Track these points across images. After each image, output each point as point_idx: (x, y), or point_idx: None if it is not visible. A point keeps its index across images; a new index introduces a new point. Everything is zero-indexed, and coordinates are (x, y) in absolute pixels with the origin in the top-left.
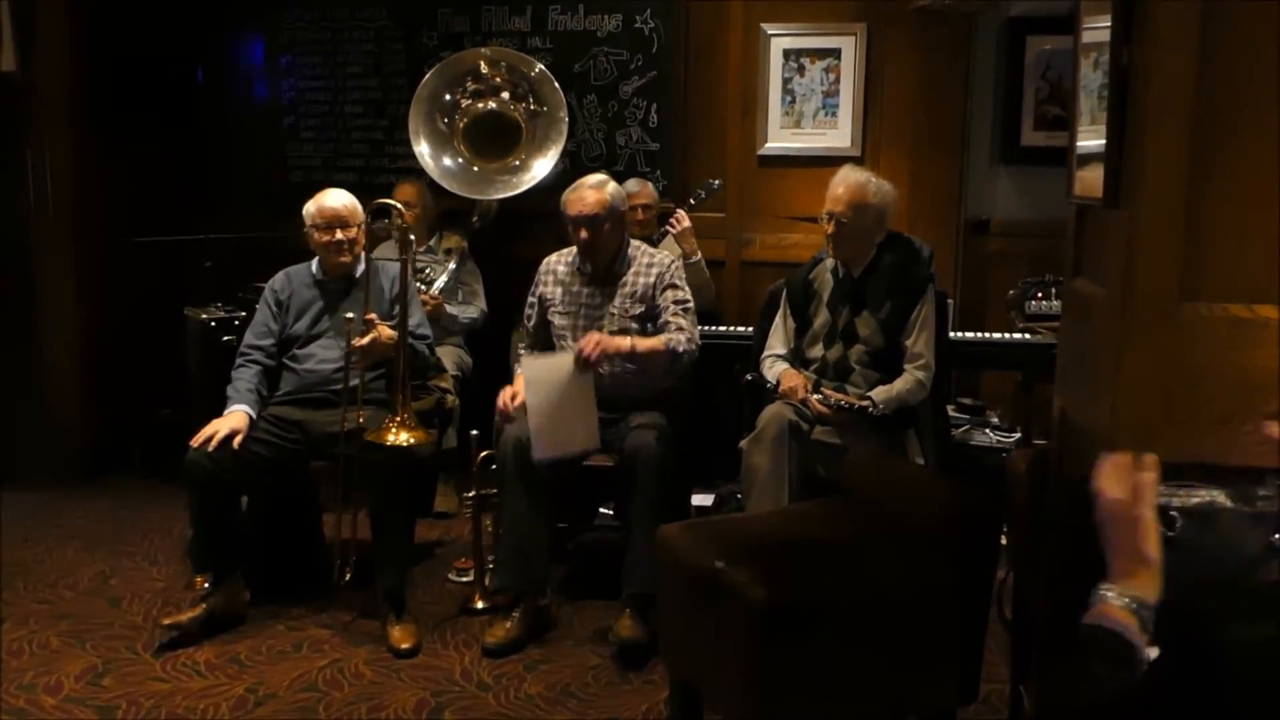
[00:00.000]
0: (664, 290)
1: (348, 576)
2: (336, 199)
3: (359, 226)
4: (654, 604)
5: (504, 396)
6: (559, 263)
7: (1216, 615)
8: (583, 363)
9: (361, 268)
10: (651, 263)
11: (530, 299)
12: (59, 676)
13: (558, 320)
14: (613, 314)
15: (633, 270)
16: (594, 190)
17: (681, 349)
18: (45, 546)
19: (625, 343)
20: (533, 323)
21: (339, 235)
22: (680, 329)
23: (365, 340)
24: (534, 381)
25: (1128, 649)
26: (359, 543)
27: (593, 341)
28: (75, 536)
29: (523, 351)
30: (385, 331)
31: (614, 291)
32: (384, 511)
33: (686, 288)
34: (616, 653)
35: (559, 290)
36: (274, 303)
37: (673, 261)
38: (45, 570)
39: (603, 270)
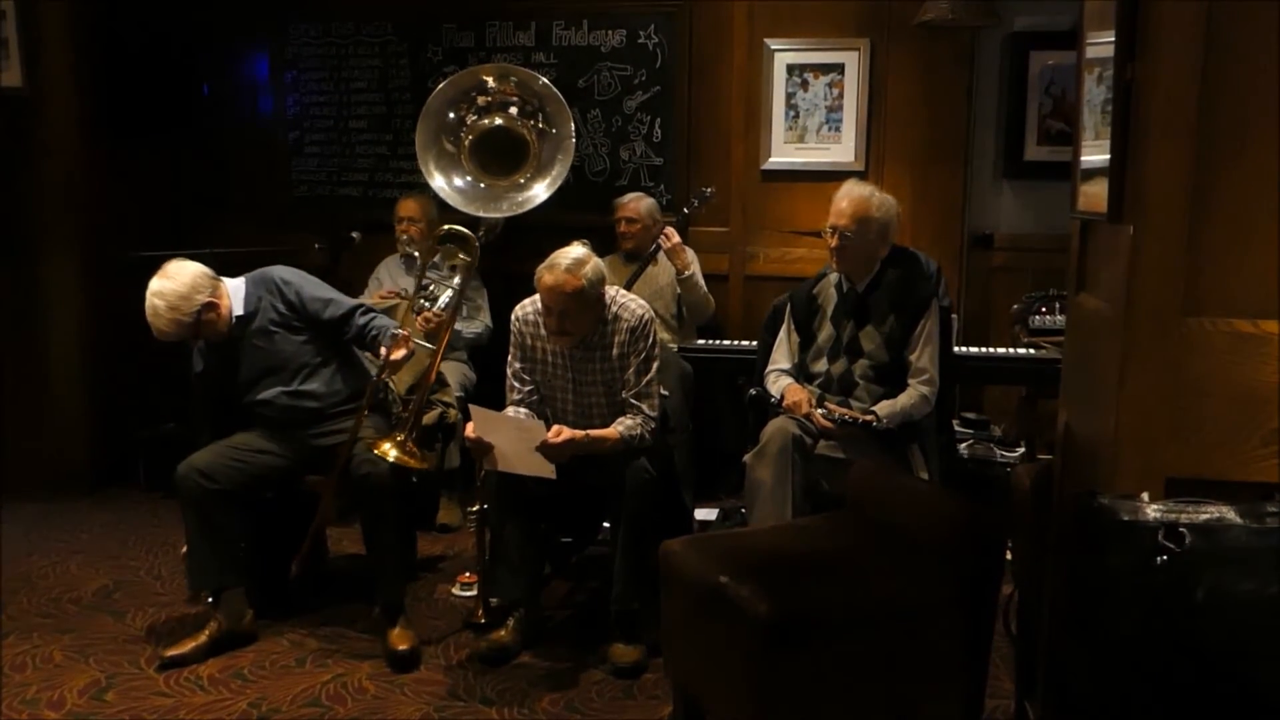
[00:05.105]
0: (629, 355)
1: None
2: (153, 292)
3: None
4: (642, 619)
5: (468, 431)
6: (533, 312)
7: (1226, 634)
8: (548, 449)
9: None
10: (620, 317)
11: (513, 363)
12: (62, 691)
13: (542, 386)
14: (596, 383)
15: (611, 331)
16: (569, 274)
17: (636, 433)
18: (48, 560)
19: (580, 435)
20: (527, 387)
21: None
22: (638, 413)
23: (400, 354)
24: (485, 428)
25: None
26: (363, 556)
27: (562, 439)
28: (79, 550)
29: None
30: (413, 344)
31: (595, 358)
32: (374, 529)
33: (654, 342)
34: (616, 670)
35: (538, 346)
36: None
37: (644, 315)
38: (48, 584)
39: (581, 342)
